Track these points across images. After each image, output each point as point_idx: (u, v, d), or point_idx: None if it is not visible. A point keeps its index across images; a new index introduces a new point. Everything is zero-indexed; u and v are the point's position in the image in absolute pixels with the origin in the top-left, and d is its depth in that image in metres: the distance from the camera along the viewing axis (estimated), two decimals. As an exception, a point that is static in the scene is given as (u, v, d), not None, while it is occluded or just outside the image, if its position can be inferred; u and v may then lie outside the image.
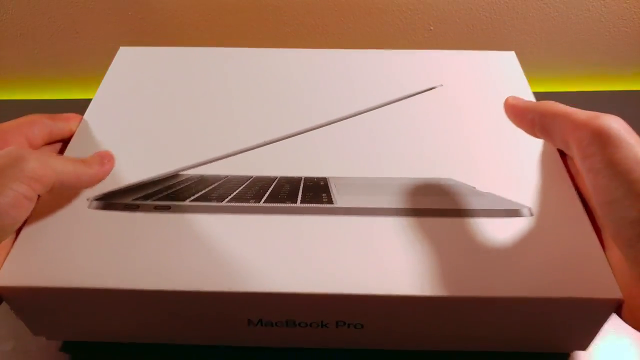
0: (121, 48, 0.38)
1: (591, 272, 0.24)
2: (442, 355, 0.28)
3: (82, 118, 0.32)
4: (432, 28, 0.51)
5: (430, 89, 0.34)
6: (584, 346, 0.26)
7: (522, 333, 0.25)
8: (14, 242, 0.25)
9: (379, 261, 0.24)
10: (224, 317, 0.25)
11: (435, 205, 0.26)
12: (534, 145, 0.30)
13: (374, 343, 0.27)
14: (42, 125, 0.29)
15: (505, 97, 0.27)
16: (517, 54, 0.38)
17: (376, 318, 0.25)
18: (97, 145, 0.30)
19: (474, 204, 0.27)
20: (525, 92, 0.34)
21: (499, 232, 0.25)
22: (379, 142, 0.31)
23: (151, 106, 0.33)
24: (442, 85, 0.35)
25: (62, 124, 0.30)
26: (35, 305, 0.25)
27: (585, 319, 0.24)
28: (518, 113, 0.27)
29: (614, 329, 0.29)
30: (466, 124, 0.32)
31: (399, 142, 0.31)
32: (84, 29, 0.51)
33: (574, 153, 0.23)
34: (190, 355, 0.29)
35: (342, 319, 0.25)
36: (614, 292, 0.23)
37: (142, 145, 0.30)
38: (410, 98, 0.34)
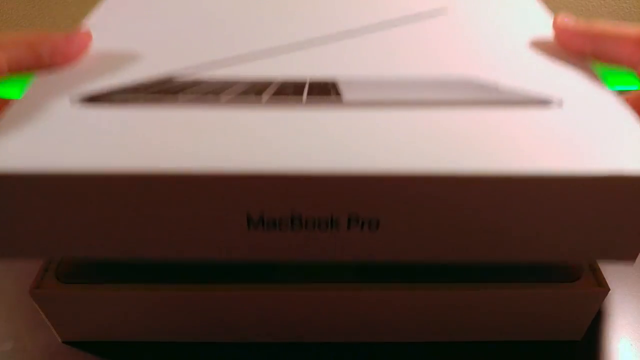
0: None
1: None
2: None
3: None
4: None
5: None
6: (634, 256, 0.23)
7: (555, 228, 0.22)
8: None
9: (395, 145, 0.21)
10: (221, 211, 0.22)
11: (458, 96, 0.24)
12: (556, 52, 0.28)
13: (389, 253, 0.24)
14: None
15: (555, 17, 0.27)
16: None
17: (394, 211, 0.22)
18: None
19: (498, 95, 0.24)
20: (538, 11, 0.33)
21: (528, 121, 0.23)
22: (389, 56, 0.29)
23: (154, 17, 0.32)
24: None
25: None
26: (12, 206, 0.22)
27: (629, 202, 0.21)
28: (567, 39, 0.26)
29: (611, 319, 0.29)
30: (483, 36, 0.30)
31: (411, 53, 0.29)
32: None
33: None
34: (189, 355, 0.29)
35: (356, 210, 0.22)
36: None
37: (140, 53, 0.28)
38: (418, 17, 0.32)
